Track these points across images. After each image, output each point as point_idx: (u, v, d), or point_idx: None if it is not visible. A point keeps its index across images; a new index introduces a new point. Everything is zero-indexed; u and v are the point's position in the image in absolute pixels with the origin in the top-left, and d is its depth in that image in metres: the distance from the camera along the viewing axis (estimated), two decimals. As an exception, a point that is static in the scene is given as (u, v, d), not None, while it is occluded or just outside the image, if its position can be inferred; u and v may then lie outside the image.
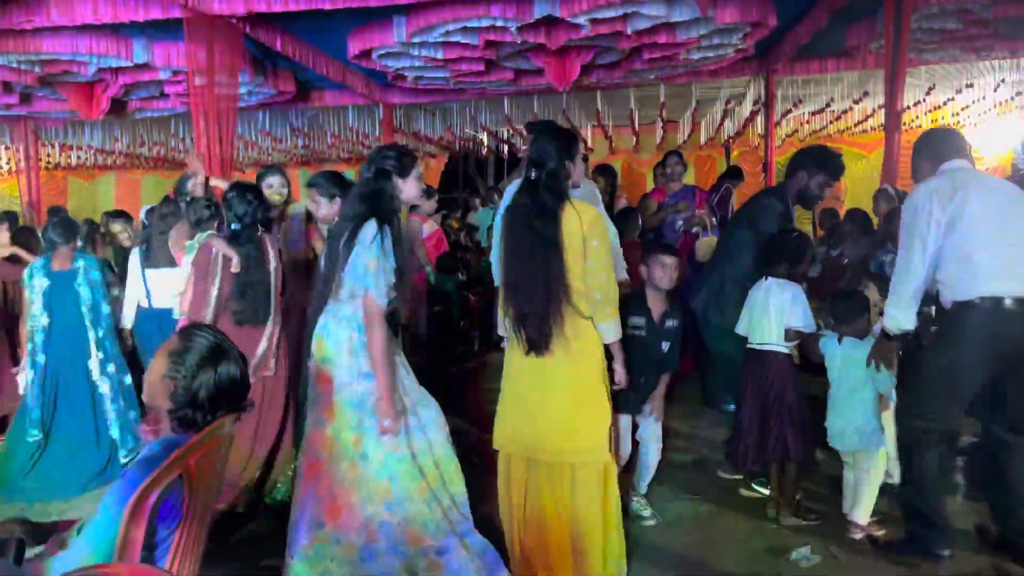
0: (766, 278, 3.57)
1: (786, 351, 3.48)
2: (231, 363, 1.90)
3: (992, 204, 2.86)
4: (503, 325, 2.88)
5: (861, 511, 3.30)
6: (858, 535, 3.28)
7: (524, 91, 7.94)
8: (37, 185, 9.09)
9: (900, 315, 2.95)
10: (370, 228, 2.72)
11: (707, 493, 3.81)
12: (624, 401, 3.29)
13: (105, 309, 4.31)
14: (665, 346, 3.41)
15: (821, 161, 3.88)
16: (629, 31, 5.39)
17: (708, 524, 3.51)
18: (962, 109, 9.60)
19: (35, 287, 4.19)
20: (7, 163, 11.16)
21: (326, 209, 3.79)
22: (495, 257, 2.98)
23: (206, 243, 3.68)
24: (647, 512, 3.50)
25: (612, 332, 2.78)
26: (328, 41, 6.16)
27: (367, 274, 2.70)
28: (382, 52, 5.95)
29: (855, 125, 10.68)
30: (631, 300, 3.39)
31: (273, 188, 4.17)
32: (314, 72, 6.67)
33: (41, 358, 4.20)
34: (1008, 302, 2.78)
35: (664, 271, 3.33)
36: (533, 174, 2.74)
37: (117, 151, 10.87)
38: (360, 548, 2.73)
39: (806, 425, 3.43)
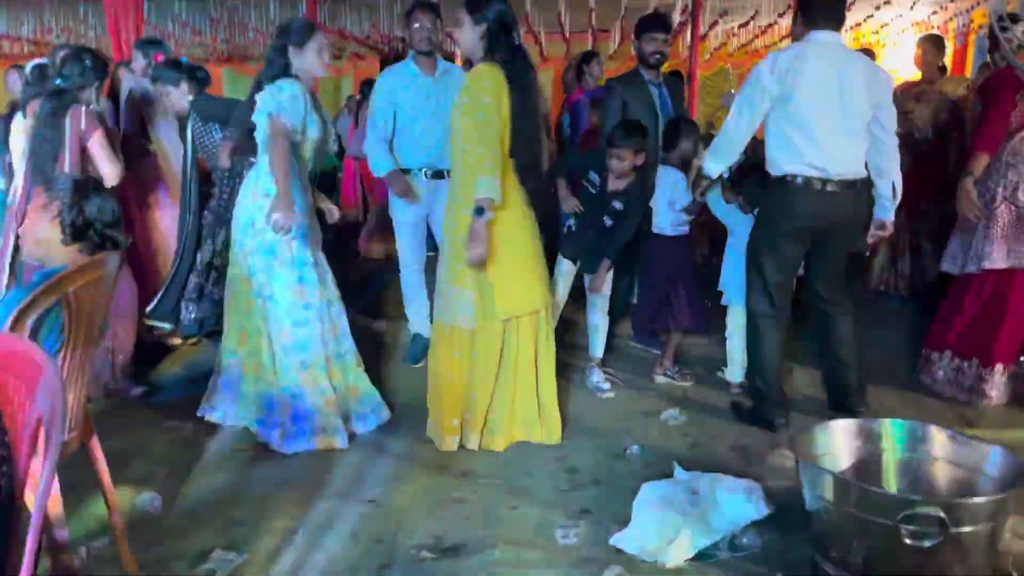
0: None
1: (673, 232, 3.80)
2: (100, 191, 2.05)
3: (827, 86, 3.04)
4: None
5: (729, 369, 3.74)
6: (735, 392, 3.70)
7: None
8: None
9: (710, 164, 3.33)
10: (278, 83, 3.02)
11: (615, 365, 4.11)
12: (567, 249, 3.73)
13: None
14: (608, 221, 3.63)
15: (640, 26, 4.25)
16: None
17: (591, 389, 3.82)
18: (880, 27, 9.83)
19: None
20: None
21: (174, 94, 3.89)
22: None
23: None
24: (606, 385, 3.79)
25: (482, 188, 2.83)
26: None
27: (275, 100, 2.98)
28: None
29: (780, 40, 10.82)
30: (595, 158, 3.73)
31: None
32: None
33: None
34: (815, 182, 3.08)
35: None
36: None
37: (24, 37, 10.27)
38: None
39: (691, 296, 3.80)
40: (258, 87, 3.10)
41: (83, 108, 3.33)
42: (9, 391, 1.21)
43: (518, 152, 2.97)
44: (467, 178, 2.90)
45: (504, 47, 2.89)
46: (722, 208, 3.72)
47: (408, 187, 3.87)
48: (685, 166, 3.80)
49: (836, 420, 2.52)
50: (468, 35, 2.93)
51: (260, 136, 3.09)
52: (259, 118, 3.04)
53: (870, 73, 3.12)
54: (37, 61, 4.32)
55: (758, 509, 2.48)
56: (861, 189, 3.19)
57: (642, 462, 3.03)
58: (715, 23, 9.65)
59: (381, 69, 11.20)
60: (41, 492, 1.07)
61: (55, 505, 1.86)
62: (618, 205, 3.62)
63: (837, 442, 2.41)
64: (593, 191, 3.69)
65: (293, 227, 2.98)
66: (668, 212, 3.77)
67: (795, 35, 3.32)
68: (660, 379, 3.89)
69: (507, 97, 2.85)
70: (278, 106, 2.98)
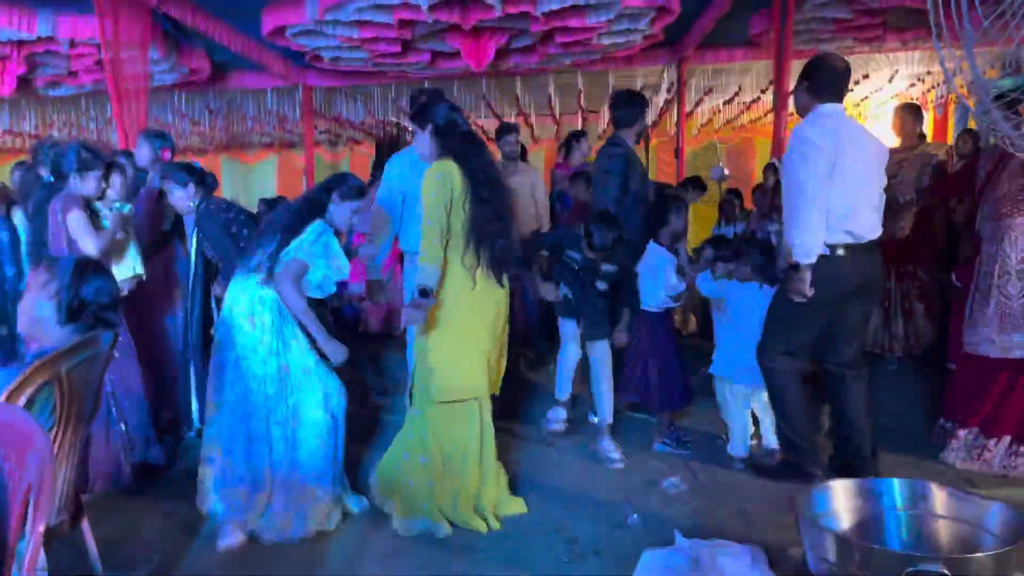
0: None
1: (657, 309, 3.84)
2: (99, 273, 2.08)
3: (857, 158, 3.11)
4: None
5: (732, 443, 3.71)
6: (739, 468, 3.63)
7: (443, 74, 8.04)
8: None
9: (807, 239, 3.05)
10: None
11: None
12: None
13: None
14: (601, 285, 3.77)
15: (630, 100, 4.30)
16: (538, 13, 5.56)
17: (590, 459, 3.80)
18: (861, 100, 10.11)
19: None
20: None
21: (179, 194, 3.89)
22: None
23: None
24: (616, 455, 3.74)
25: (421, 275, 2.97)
26: (242, 19, 6.15)
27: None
28: (296, 30, 5.98)
29: (765, 115, 11.12)
30: (569, 236, 3.92)
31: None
32: (230, 52, 6.64)
33: None
34: (840, 250, 3.11)
35: None
36: None
37: (26, 132, 10.52)
38: None
39: (676, 372, 3.82)
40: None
41: (62, 193, 3.49)
42: (1, 460, 1.22)
43: (476, 237, 2.99)
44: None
45: (454, 141, 3.07)
46: (711, 286, 3.75)
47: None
48: (674, 243, 3.89)
49: (836, 480, 2.50)
50: (421, 142, 3.19)
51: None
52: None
53: (874, 141, 3.25)
54: (20, 160, 4.51)
55: (763, 573, 2.44)
56: (878, 248, 3.26)
57: (643, 531, 2.97)
58: (700, 100, 9.94)
59: (376, 153, 11.48)
60: (27, 558, 1.06)
61: (42, 585, 1.83)
62: (609, 268, 3.70)
63: (838, 502, 2.39)
64: (576, 267, 3.79)
65: None
66: (654, 290, 3.79)
67: (799, 106, 3.31)
68: (659, 447, 3.86)
69: (461, 186, 2.96)
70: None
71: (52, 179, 3.63)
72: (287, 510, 3.01)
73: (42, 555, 1.80)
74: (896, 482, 2.41)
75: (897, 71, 8.69)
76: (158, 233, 4.24)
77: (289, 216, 3.18)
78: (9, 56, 6.42)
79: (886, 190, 3.28)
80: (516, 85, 8.96)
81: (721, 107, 10.60)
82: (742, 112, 10.92)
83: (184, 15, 5.64)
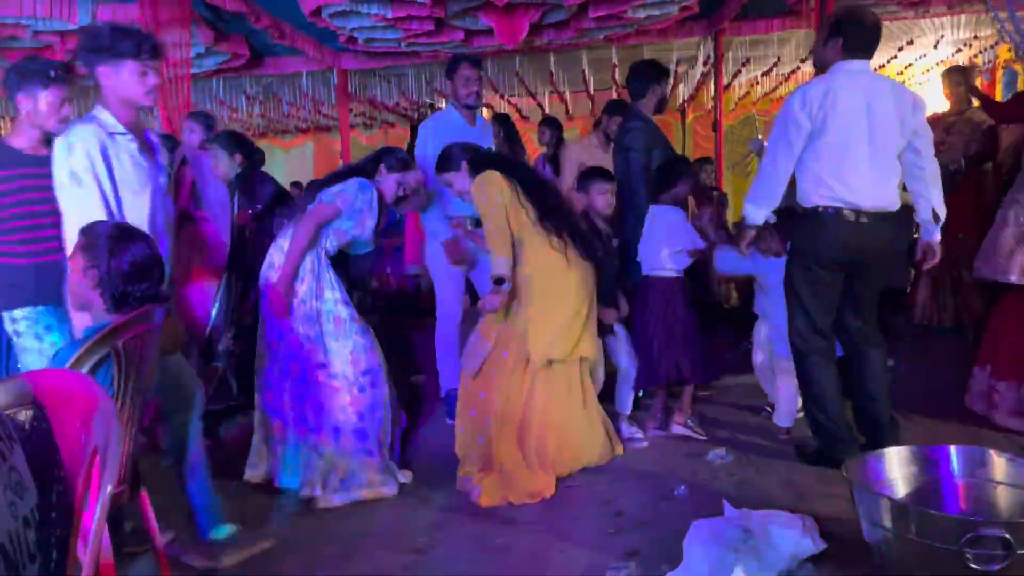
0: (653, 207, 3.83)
1: (675, 274, 3.71)
2: (138, 240, 2.10)
3: (858, 120, 2.98)
4: None
5: (776, 414, 3.66)
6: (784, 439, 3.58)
7: (476, 52, 7.98)
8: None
9: (756, 210, 3.20)
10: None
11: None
12: None
13: None
14: None
15: (640, 71, 4.30)
16: (573, -14, 5.48)
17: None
18: (905, 67, 9.85)
19: None
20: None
21: (224, 164, 4.11)
22: None
23: None
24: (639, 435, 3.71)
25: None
26: (278, 3, 6.17)
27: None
28: (332, 10, 5.98)
29: (805, 86, 10.90)
30: None
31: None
32: (265, 37, 6.67)
33: None
34: (848, 213, 3.02)
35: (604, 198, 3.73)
36: None
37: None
38: None
39: (698, 344, 3.67)
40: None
41: None
42: (65, 425, 1.24)
43: (552, 222, 3.27)
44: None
45: (484, 163, 3.34)
46: (731, 264, 3.68)
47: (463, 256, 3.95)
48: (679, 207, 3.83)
49: (890, 448, 2.45)
50: (460, 182, 3.39)
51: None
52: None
53: (902, 101, 3.04)
54: None
55: (814, 543, 2.41)
56: (896, 220, 3.13)
57: (690, 502, 2.97)
58: (738, 72, 9.75)
59: (412, 134, 11.46)
60: (97, 516, 1.08)
61: (107, 557, 1.87)
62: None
63: (892, 470, 2.35)
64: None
65: None
66: (664, 252, 3.70)
67: (822, 62, 3.22)
68: (678, 430, 3.74)
69: (507, 186, 3.23)
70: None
71: None
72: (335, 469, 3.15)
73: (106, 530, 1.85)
74: (953, 449, 2.36)
75: (943, 36, 8.42)
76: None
77: (334, 176, 3.39)
78: (52, 46, 6.52)
79: (936, 156, 3.16)
80: (550, 62, 8.86)
81: (759, 78, 10.39)
82: (781, 83, 10.70)
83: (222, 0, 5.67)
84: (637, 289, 3.78)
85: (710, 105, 11.31)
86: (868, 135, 3.00)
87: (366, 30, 6.64)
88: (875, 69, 9.74)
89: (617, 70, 9.29)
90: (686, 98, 11.07)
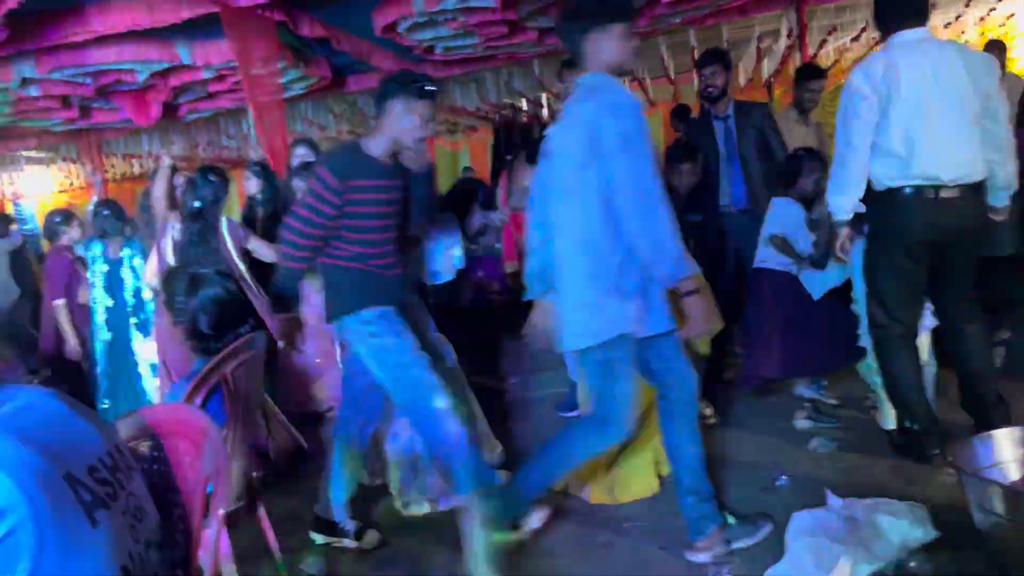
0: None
1: (780, 267, 3.61)
2: (208, 285, 2.25)
3: (926, 89, 2.80)
4: None
5: (881, 414, 3.36)
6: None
7: (552, 51, 8.01)
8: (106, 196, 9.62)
9: (842, 200, 3.00)
10: None
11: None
12: None
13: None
14: None
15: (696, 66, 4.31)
16: (643, -26, 5.44)
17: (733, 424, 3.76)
18: (1007, 18, 9.25)
19: (96, 272, 4.61)
20: (77, 178, 11.79)
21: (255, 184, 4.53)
22: None
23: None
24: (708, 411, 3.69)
25: None
26: (354, 22, 6.38)
27: None
28: (408, 24, 6.13)
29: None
30: None
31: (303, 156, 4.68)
32: (346, 57, 6.91)
33: (107, 335, 4.59)
34: (927, 191, 2.82)
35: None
36: None
37: (174, 155, 11.36)
38: None
39: (812, 335, 3.54)
40: None
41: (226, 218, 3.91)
42: (182, 454, 1.37)
43: None
44: None
45: None
46: (821, 284, 3.53)
47: None
48: (803, 204, 3.70)
49: (998, 430, 2.35)
50: None
51: None
52: None
53: (971, 64, 2.85)
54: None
55: (925, 532, 2.33)
56: (983, 190, 2.94)
57: (792, 492, 2.92)
58: (824, 41, 9.39)
59: (495, 137, 11.51)
60: (212, 538, 1.19)
61: (228, 565, 2.02)
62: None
63: (1002, 453, 2.25)
64: None
65: None
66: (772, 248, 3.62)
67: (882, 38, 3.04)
68: (802, 423, 3.61)
69: None
70: None
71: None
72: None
73: (226, 539, 1.99)
74: (1067, 428, 2.25)
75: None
76: None
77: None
78: (156, 86, 6.95)
79: None
80: (627, 51, 8.79)
81: (848, 44, 9.97)
82: (871, 48, 10.24)
83: (303, 26, 5.91)
84: (749, 282, 3.75)
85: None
86: (940, 103, 2.81)
87: (445, 39, 6.77)
88: (976, 22, 9.13)
89: (696, 53, 9.12)
90: (772, 73, 10.73)
